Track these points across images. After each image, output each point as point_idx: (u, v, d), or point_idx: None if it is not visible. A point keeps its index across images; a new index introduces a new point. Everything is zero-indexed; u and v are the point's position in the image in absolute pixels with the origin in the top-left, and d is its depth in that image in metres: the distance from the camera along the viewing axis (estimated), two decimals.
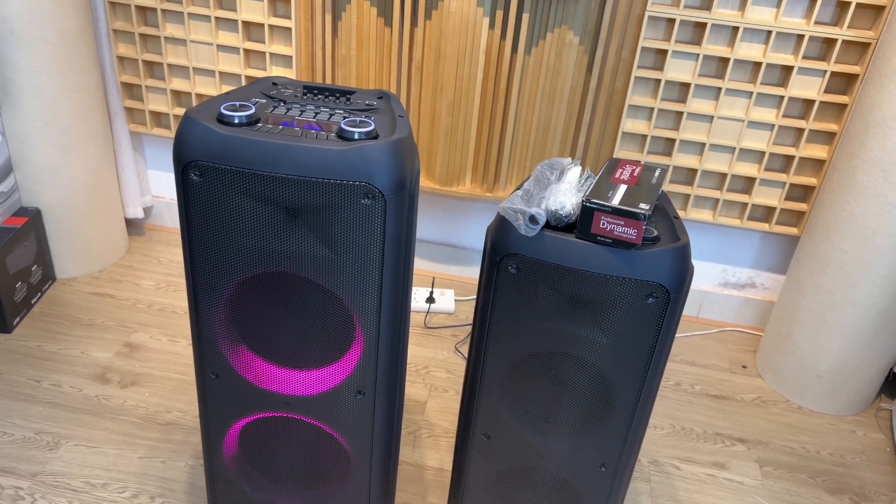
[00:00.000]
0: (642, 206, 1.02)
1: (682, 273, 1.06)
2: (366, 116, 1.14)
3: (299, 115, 1.12)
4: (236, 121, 1.06)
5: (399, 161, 1.05)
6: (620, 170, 1.14)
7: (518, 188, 1.17)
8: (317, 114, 1.14)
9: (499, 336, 1.16)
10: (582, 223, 1.04)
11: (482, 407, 1.25)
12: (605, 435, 1.20)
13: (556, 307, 1.11)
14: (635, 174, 1.13)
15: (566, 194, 1.07)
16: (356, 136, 1.06)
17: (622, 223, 1.01)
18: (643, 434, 1.23)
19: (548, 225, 1.07)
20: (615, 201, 1.02)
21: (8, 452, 1.60)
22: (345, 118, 1.12)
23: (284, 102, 1.17)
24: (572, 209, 1.06)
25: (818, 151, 1.94)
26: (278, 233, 1.08)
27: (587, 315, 1.10)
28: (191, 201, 1.07)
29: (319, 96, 1.22)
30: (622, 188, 1.07)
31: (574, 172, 1.14)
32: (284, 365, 1.21)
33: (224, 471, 1.37)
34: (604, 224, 1.02)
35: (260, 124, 1.07)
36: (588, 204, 1.02)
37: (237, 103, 1.08)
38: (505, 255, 1.09)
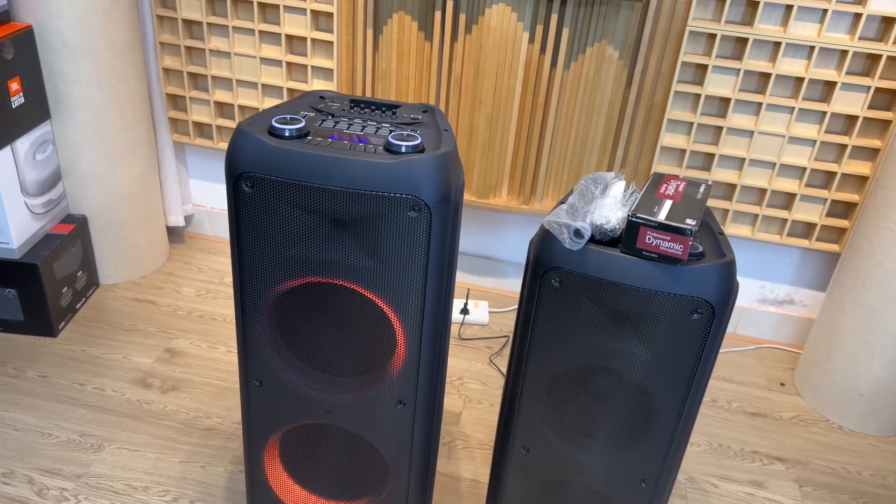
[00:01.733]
0: (689, 221, 1.02)
1: (728, 289, 1.05)
2: (412, 130, 1.16)
3: (347, 129, 1.14)
4: (287, 134, 1.08)
5: (445, 174, 1.07)
6: (665, 185, 1.15)
7: (561, 202, 1.18)
8: (364, 127, 1.16)
9: (540, 349, 1.17)
10: (627, 238, 1.04)
11: (521, 420, 1.25)
12: (646, 450, 1.20)
13: (599, 322, 1.11)
14: (680, 189, 1.14)
15: (611, 209, 1.07)
16: (403, 150, 1.07)
17: (668, 238, 1.01)
18: (684, 450, 1.23)
19: (592, 239, 1.08)
20: (661, 216, 1.02)
21: (53, 454, 1.64)
22: (391, 132, 1.14)
23: (332, 116, 1.19)
24: (617, 224, 1.06)
25: (861, 168, 1.92)
26: (325, 243, 1.10)
27: (630, 330, 1.10)
28: (241, 211, 1.09)
29: (366, 110, 1.24)
30: (668, 203, 1.07)
31: (618, 187, 1.14)
32: (327, 373, 1.23)
33: (263, 477, 1.39)
34: (650, 239, 1.02)
35: (310, 137, 1.09)
36: (634, 219, 1.02)
37: (288, 116, 1.11)
38: (548, 268, 1.09)
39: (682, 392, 1.13)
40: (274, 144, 1.05)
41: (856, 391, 1.91)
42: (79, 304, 2.10)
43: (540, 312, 1.14)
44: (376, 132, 1.14)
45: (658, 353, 1.10)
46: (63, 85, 1.90)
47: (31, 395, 1.79)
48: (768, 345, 2.26)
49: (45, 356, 1.92)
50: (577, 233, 1.04)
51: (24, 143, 1.87)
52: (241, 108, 2.21)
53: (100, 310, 2.12)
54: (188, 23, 2.12)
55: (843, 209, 2.00)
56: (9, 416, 1.72)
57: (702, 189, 1.15)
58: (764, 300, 2.24)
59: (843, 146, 1.90)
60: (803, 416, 1.98)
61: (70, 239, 2.03)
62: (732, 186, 2.01)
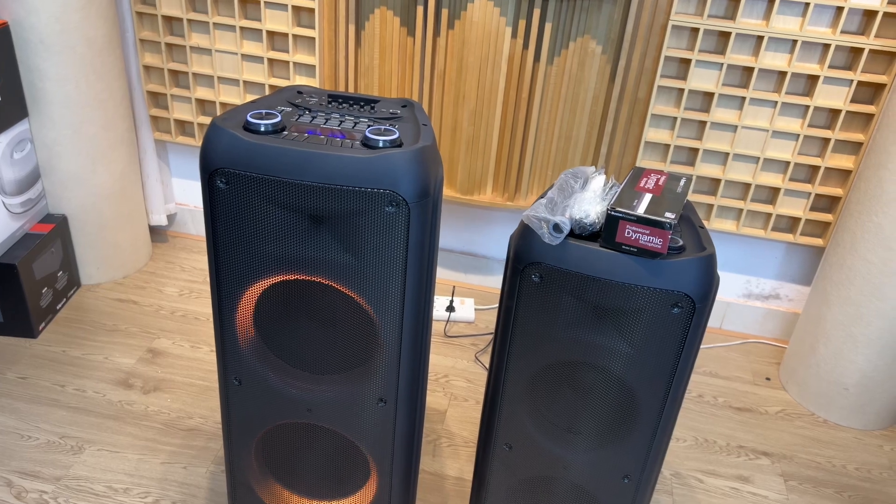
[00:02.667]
0: (668, 214, 1.01)
1: (708, 283, 1.05)
2: (390, 125, 1.15)
3: (324, 124, 1.13)
4: (262, 129, 1.06)
5: (423, 169, 1.05)
6: (645, 179, 1.14)
7: (542, 196, 1.17)
8: (341, 122, 1.14)
9: (521, 345, 1.16)
10: (607, 232, 1.03)
11: (504, 416, 1.25)
12: (629, 446, 1.19)
13: (579, 316, 1.10)
14: (660, 183, 1.13)
15: (590, 203, 1.06)
16: (380, 144, 1.06)
17: (647, 232, 1.00)
18: (667, 446, 1.22)
19: (572, 233, 1.07)
20: (640, 210, 1.02)
21: (32, 456, 1.61)
22: (369, 126, 1.13)
23: (310, 111, 1.18)
24: (597, 218, 1.06)
25: (844, 162, 1.92)
26: (302, 239, 1.08)
27: (611, 325, 1.09)
28: (217, 208, 1.08)
29: (344, 105, 1.23)
30: (647, 197, 1.07)
31: (598, 181, 1.13)
32: (307, 371, 1.22)
33: (245, 477, 1.37)
34: (629, 233, 1.02)
35: (286, 132, 1.08)
36: (613, 212, 1.01)
37: (263, 111, 1.09)
38: (528, 263, 1.08)
39: (663, 386, 1.12)
40: (249, 140, 1.03)
41: (841, 385, 1.91)
42: (59, 305, 2.08)
43: (520, 308, 1.13)
44: (354, 127, 1.13)
45: (639, 348, 1.09)
46: (41, 83, 1.87)
47: (10, 396, 1.77)
48: (754, 339, 2.26)
49: (26, 357, 1.90)
50: (557, 227, 1.03)
51: (0, 142, 1.85)
52: (223, 105, 2.19)
53: (81, 310, 2.10)
54: (168, 19, 2.10)
55: (827, 203, 2.01)
56: None
57: (682, 182, 1.15)
58: (749, 295, 2.24)
59: (827, 140, 1.90)
60: (789, 411, 1.99)
61: (50, 238, 2.00)
62: (717, 181, 2.01)
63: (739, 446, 1.84)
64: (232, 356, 1.21)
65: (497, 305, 2.28)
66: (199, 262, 2.37)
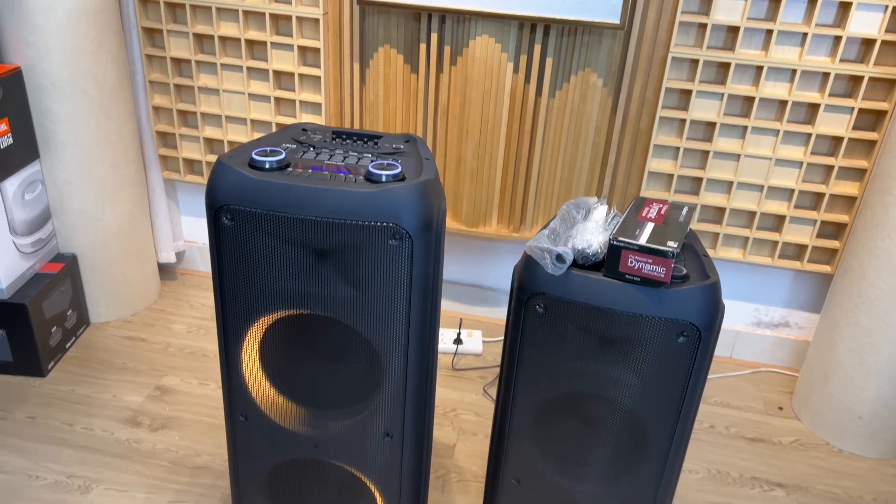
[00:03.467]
0: (670, 243, 1.01)
1: (714, 311, 1.04)
2: (393, 159, 1.16)
3: (328, 160, 1.14)
4: (267, 166, 1.08)
5: (425, 202, 1.07)
6: (647, 208, 1.14)
7: (544, 227, 1.17)
8: (345, 158, 1.16)
9: (528, 377, 1.16)
10: (609, 262, 1.04)
11: (512, 450, 1.24)
12: (639, 478, 1.18)
13: (585, 347, 1.10)
14: (662, 212, 1.13)
15: (593, 233, 1.07)
16: (383, 179, 1.07)
17: (650, 261, 1.01)
18: (677, 477, 1.21)
19: (575, 264, 1.07)
20: (643, 239, 1.02)
21: (40, 496, 1.61)
22: (372, 161, 1.14)
23: (314, 147, 1.19)
24: (599, 248, 1.06)
25: (849, 188, 1.92)
26: (307, 274, 1.09)
27: (617, 355, 1.09)
28: (222, 244, 1.09)
29: (348, 141, 1.24)
30: (649, 226, 1.07)
31: (600, 211, 1.14)
32: (313, 407, 1.22)
33: None
34: (632, 262, 1.02)
35: (290, 169, 1.09)
36: (615, 242, 1.02)
37: (268, 149, 1.11)
38: (532, 294, 1.09)
39: (672, 416, 1.12)
40: (253, 176, 1.05)
41: (854, 413, 1.89)
42: (69, 343, 2.09)
43: (526, 339, 1.13)
44: (357, 162, 1.15)
45: (646, 378, 1.09)
46: (52, 125, 1.91)
47: (18, 436, 1.77)
48: (765, 368, 2.24)
49: (34, 397, 1.90)
50: (559, 257, 1.04)
51: (12, 183, 1.88)
52: (231, 143, 2.22)
53: (90, 348, 2.10)
54: (177, 61, 2.14)
55: (834, 230, 2.00)
56: None
57: (684, 211, 1.15)
58: (759, 323, 2.22)
59: (830, 167, 1.91)
60: (802, 441, 1.96)
61: (59, 278, 2.02)
62: (721, 210, 2.01)
63: (753, 478, 1.82)
64: (238, 392, 1.21)
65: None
66: (208, 299, 2.38)
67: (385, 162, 1.11)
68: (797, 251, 2.05)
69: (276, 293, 1.11)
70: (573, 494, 1.22)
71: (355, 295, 1.09)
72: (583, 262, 1.07)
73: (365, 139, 1.25)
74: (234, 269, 1.11)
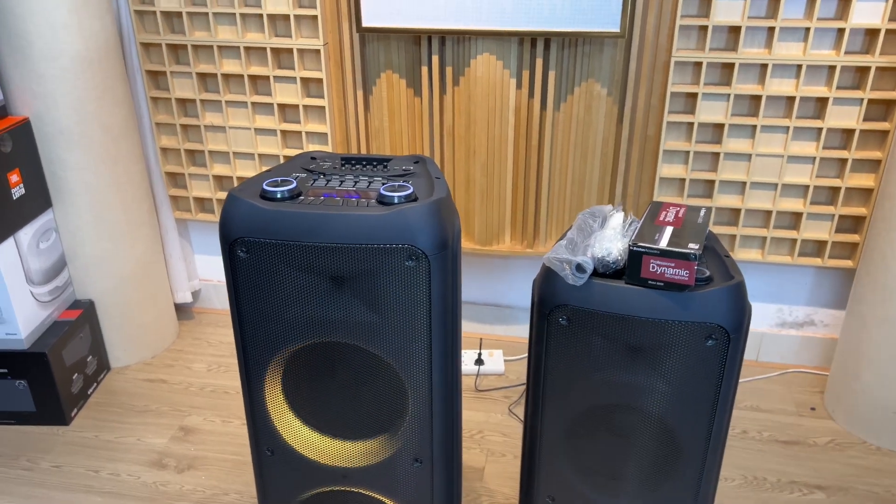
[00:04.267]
0: (691, 245, 1.00)
1: (741, 312, 1.02)
2: (403, 181, 1.15)
3: (339, 186, 1.14)
4: (279, 195, 1.08)
5: (439, 221, 1.06)
6: (664, 212, 1.13)
7: (561, 238, 1.16)
8: (356, 182, 1.16)
9: (555, 391, 1.13)
10: (631, 268, 1.02)
11: (544, 468, 1.21)
12: (677, 488, 1.15)
13: (611, 357, 1.08)
14: (680, 215, 1.12)
15: (611, 240, 1.05)
16: (396, 201, 1.07)
17: (673, 265, 0.99)
18: (716, 484, 1.18)
19: (595, 273, 1.06)
20: (663, 243, 1.00)
21: None
22: (383, 184, 1.14)
23: (324, 175, 1.19)
24: (619, 255, 1.04)
25: (864, 180, 1.89)
26: (325, 302, 1.08)
27: (645, 363, 1.07)
28: (239, 277, 1.08)
29: (357, 166, 1.24)
30: (668, 230, 1.06)
31: (617, 218, 1.13)
32: (339, 437, 1.20)
33: None
34: (653, 267, 1.00)
35: (302, 197, 1.09)
36: (636, 248, 1.00)
37: (279, 179, 1.11)
38: (554, 306, 1.07)
39: (705, 422, 1.09)
40: (266, 207, 1.05)
41: (890, 409, 1.84)
42: (90, 390, 2.08)
43: (550, 353, 1.11)
44: (369, 186, 1.14)
45: (676, 385, 1.06)
46: (62, 172, 1.92)
47: (45, 486, 1.75)
48: (793, 369, 2.20)
49: (59, 445, 1.89)
50: (580, 267, 1.02)
51: (26, 233, 1.89)
52: (240, 178, 2.22)
53: (112, 393, 2.10)
54: (182, 101, 2.16)
55: (852, 223, 1.97)
56: None
57: (702, 213, 1.14)
58: (783, 324, 2.19)
59: (844, 160, 1.88)
60: (838, 440, 1.91)
61: (78, 324, 2.02)
62: (737, 211, 1.99)
63: (791, 482, 1.77)
64: (263, 426, 1.20)
65: (527, 354, 2.25)
66: (226, 336, 2.38)
67: (396, 184, 1.10)
68: (817, 248, 2.02)
69: (295, 323, 1.10)
70: None
71: (375, 319, 1.08)
72: (603, 271, 1.06)
73: (374, 163, 1.25)
74: (251, 302, 1.10)
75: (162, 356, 2.28)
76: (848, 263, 1.99)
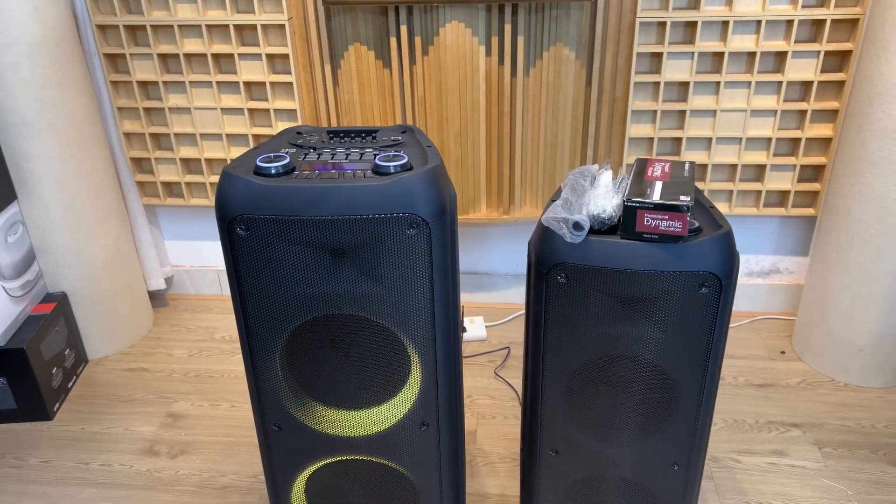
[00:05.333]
0: (683, 198, 1.03)
1: (731, 259, 1.07)
2: (396, 150, 1.16)
3: (332, 159, 1.14)
4: (274, 171, 1.08)
5: (437, 188, 1.07)
6: (651, 168, 1.16)
7: (553, 200, 1.19)
8: (348, 155, 1.16)
9: (555, 348, 1.17)
10: (626, 223, 1.05)
11: (546, 423, 1.25)
12: (674, 432, 1.20)
13: (609, 311, 1.11)
14: (666, 170, 1.15)
15: (605, 197, 1.08)
16: (392, 170, 1.08)
17: (666, 217, 1.03)
18: (710, 426, 1.23)
19: (590, 230, 1.09)
20: (656, 197, 1.04)
21: None
22: (376, 155, 1.14)
23: (314, 149, 1.19)
24: (613, 211, 1.08)
25: (824, 130, 1.97)
26: (327, 275, 1.09)
27: (641, 314, 1.11)
28: (238, 256, 1.08)
29: (345, 138, 1.24)
30: (658, 185, 1.09)
31: (606, 176, 1.16)
32: (346, 407, 1.21)
33: None
34: (648, 221, 1.04)
35: (296, 172, 1.09)
36: (630, 203, 1.04)
37: (272, 155, 1.10)
38: (552, 265, 1.10)
39: (700, 367, 1.14)
40: (263, 183, 1.04)
41: (855, 347, 1.94)
42: (70, 383, 2.05)
43: (550, 311, 1.14)
44: (361, 158, 1.14)
45: (672, 333, 1.11)
46: (26, 163, 1.87)
47: (36, 482, 1.73)
48: (762, 316, 2.29)
49: (45, 440, 1.86)
50: (577, 225, 1.05)
51: None
52: (209, 161, 2.19)
53: (93, 385, 2.07)
54: (143, 84, 2.11)
55: (813, 173, 2.05)
56: None
57: (686, 167, 1.17)
58: (751, 273, 2.27)
59: (803, 112, 1.95)
60: (809, 380, 2.01)
61: (53, 318, 1.98)
62: (703, 166, 2.05)
63: (769, 422, 1.86)
64: (269, 403, 1.21)
65: (508, 319, 2.29)
66: (204, 321, 2.36)
67: (390, 153, 1.11)
68: (780, 198, 2.09)
69: (297, 298, 1.10)
70: (612, 457, 1.24)
71: (378, 289, 1.09)
72: (598, 228, 1.09)
73: (362, 135, 1.25)
74: (252, 279, 1.10)
75: (140, 345, 2.25)
76: (810, 211, 2.07)
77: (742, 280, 2.28)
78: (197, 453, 1.81)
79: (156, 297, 2.47)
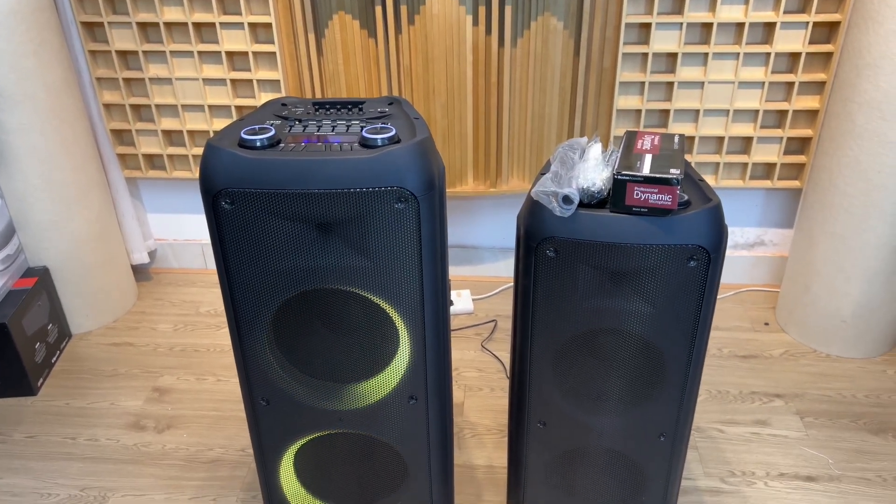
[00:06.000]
0: (673, 171, 1.03)
1: (719, 232, 1.07)
2: (383, 123, 1.15)
3: (318, 131, 1.12)
4: (259, 144, 1.06)
5: (426, 161, 1.06)
6: (640, 140, 1.15)
7: (542, 173, 1.18)
8: (334, 127, 1.14)
9: (543, 322, 1.17)
10: (615, 196, 1.05)
11: (534, 395, 1.25)
12: (661, 404, 1.21)
13: (598, 284, 1.11)
14: (656, 143, 1.15)
15: (594, 171, 1.07)
16: (379, 143, 1.06)
17: (656, 191, 1.02)
18: (696, 398, 1.24)
19: (580, 203, 1.08)
20: (646, 170, 1.03)
21: None
22: (363, 127, 1.13)
23: (300, 121, 1.17)
24: (603, 184, 1.07)
25: (810, 102, 1.97)
26: (315, 249, 1.08)
27: (630, 288, 1.11)
28: (224, 230, 1.07)
29: (331, 110, 1.22)
30: (648, 157, 1.08)
31: (596, 149, 1.15)
32: (334, 381, 1.21)
33: (282, 496, 1.36)
34: (637, 194, 1.03)
35: (282, 145, 1.07)
36: (620, 176, 1.03)
37: (257, 127, 1.08)
38: (541, 239, 1.09)
39: (688, 340, 1.14)
40: (248, 156, 1.03)
41: (838, 318, 1.96)
42: (54, 358, 2.03)
43: (538, 285, 1.14)
44: (348, 130, 1.13)
45: (660, 306, 1.11)
46: (4, 135, 1.83)
47: (22, 457, 1.72)
48: (746, 288, 2.31)
49: (29, 416, 1.85)
50: (567, 199, 1.04)
51: None
52: (191, 133, 2.16)
53: (77, 360, 2.05)
54: (122, 54, 2.06)
55: (799, 145, 2.06)
56: (3, 482, 1.65)
57: (676, 140, 1.17)
58: (735, 245, 2.28)
59: (791, 84, 1.95)
60: (792, 351, 2.03)
61: (35, 293, 1.95)
62: (691, 139, 2.04)
63: (752, 392, 1.88)
64: (257, 377, 1.20)
65: (494, 293, 2.29)
66: (188, 295, 2.34)
67: (378, 126, 1.09)
68: (766, 170, 2.10)
69: (285, 272, 1.09)
70: (599, 429, 1.25)
71: (365, 263, 1.08)
72: (587, 201, 1.08)
73: (348, 106, 1.23)
74: (238, 254, 1.08)
75: (124, 319, 2.23)
76: (795, 184, 2.08)
77: (727, 252, 2.29)
78: (184, 427, 1.81)
79: (139, 272, 2.45)
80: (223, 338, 2.13)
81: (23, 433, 1.79)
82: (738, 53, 1.91)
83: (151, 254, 2.45)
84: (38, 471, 1.68)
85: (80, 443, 1.76)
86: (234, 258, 1.09)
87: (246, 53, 2.03)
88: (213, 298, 2.32)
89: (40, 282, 1.99)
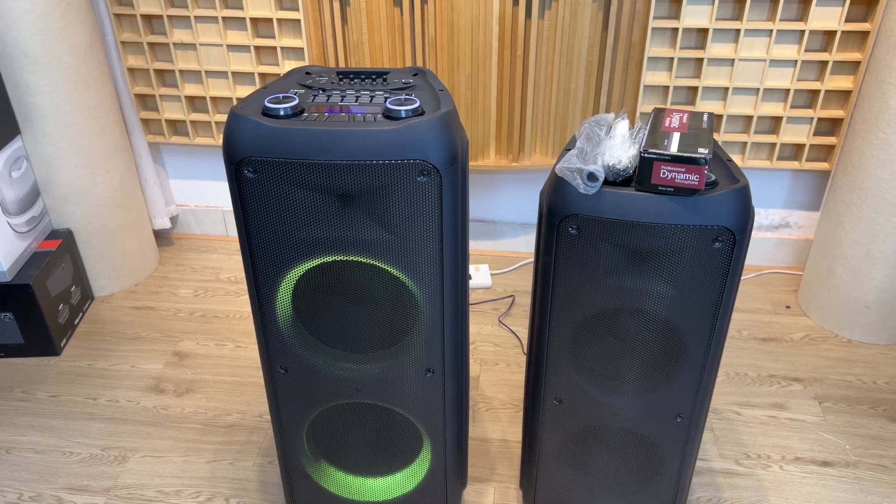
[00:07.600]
0: (701, 150, 1.01)
1: (746, 214, 1.05)
2: (408, 94, 1.13)
3: (342, 101, 1.11)
4: (282, 113, 1.05)
5: (449, 134, 1.05)
6: (668, 118, 1.13)
7: (567, 149, 1.16)
8: (358, 98, 1.13)
9: (563, 300, 1.16)
10: (641, 175, 1.03)
11: (551, 372, 1.25)
12: (679, 385, 1.20)
13: (620, 264, 1.10)
14: (684, 121, 1.12)
15: (621, 148, 1.06)
16: (403, 115, 1.05)
17: (683, 170, 1.00)
18: (715, 379, 1.23)
19: (605, 181, 1.07)
20: (673, 149, 1.01)
21: (78, 471, 1.61)
22: (387, 98, 1.11)
23: (323, 90, 1.16)
24: (629, 162, 1.05)
25: (843, 83, 1.92)
26: (336, 220, 1.08)
27: (652, 268, 1.10)
28: (246, 198, 1.07)
29: (356, 80, 1.21)
30: (676, 136, 1.06)
31: (623, 126, 1.13)
32: (352, 351, 1.22)
33: (299, 463, 1.38)
34: (664, 173, 1.02)
35: (305, 114, 1.06)
36: (647, 155, 1.01)
37: (281, 95, 1.08)
38: (565, 216, 1.08)
39: (709, 322, 1.13)
40: (271, 125, 1.02)
41: (862, 303, 1.93)
42: (77, 320, 2.06)
43: (559, 262, 1.13)
44: (371, 101, 1.12)
45: (682, 287, 1.10)
46: (30, 97, 1.84)
47: (44, 416, 1.76)
48: (769, 270, 2.28)
49: (52, 375, 1.89)
50: (591, 176, 1.03)
51: None
52: (214, 99, 2.15)
53: (99, 322, 2.08)
54: (147, 18, 2.05)
55: (830, 126, 2.01)
56: (26, 439, 1.69)
57: (705, 118, 1.15)
58: (759, 227, 2.25)
59: (824, 63, 1.90)
60: (813, 335, 2.01)
61: (59, 255, 1.98)
62: (719, 117, 2.01)
63: (770, 375, 1.87)
64: (276, 345, 1.21)
65: (513, 268, 2.29)
66: (209, 261, 2.36)
67: (402, 97, 1.08)
68: (795, 151, 2.06)
69: (306, 242, 1.09)
70: (615, 408, 1.25)
71: (386, 236, 1.08)
72: (613, 179, 1.07)
73: (373, 77, 1.22)
74: (260, 223, 1.09)
75: (146, 283, 2.25)
76: (824, 166, 2.04)
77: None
78: (203, 392, 1.83)
79: (161, 237, 2.47)
80: (242, 304, 2.15)
81: (46, 392, 1.83)
82: (772, 30, 1.86)
83: (173, 219, 2.47)
84: (60, 429, 1.72)
85: (101, 403, 1.80)
86: (256, 226, 1.09)
87: (270, 20, 2.02)
88: (233, 265, 2.34)
89: (64, 244, 2.01)
